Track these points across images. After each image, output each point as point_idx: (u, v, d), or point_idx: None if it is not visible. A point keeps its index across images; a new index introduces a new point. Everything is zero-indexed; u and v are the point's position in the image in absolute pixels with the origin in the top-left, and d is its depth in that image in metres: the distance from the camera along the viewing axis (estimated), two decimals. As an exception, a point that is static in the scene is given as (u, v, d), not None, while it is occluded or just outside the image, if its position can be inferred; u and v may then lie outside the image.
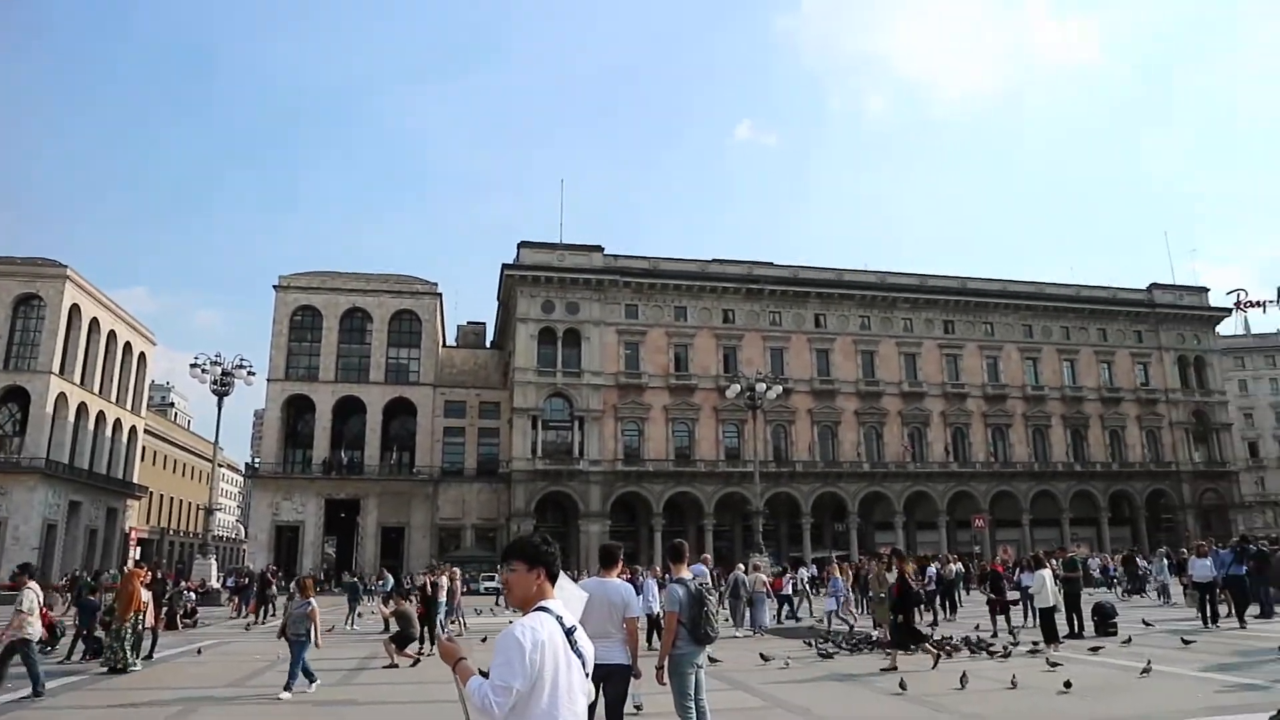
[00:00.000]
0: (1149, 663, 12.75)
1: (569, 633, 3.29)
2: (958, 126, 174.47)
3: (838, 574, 21.92)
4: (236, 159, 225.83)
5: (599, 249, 61.36)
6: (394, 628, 17.03)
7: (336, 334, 61.96)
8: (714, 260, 63.89)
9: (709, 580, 19.16)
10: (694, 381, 60.54)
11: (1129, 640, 16.07)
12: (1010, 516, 64.84)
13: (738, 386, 36.36)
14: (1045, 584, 16.85)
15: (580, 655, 3.31)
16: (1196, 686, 11.41)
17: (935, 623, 22.84)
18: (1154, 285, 74.42)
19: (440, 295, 65.12)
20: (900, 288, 66.49)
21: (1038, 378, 68.43)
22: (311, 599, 13.03)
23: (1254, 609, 19.76)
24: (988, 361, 67.54)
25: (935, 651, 14.30)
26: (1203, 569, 19.39)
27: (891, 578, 19.29)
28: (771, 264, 64.95)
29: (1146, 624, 19.27)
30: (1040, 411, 67.83)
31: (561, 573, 3.58)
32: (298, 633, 12.56)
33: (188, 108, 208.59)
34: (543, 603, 3.37)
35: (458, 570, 25.00)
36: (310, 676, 12.50)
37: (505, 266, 60.26)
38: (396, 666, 15.37)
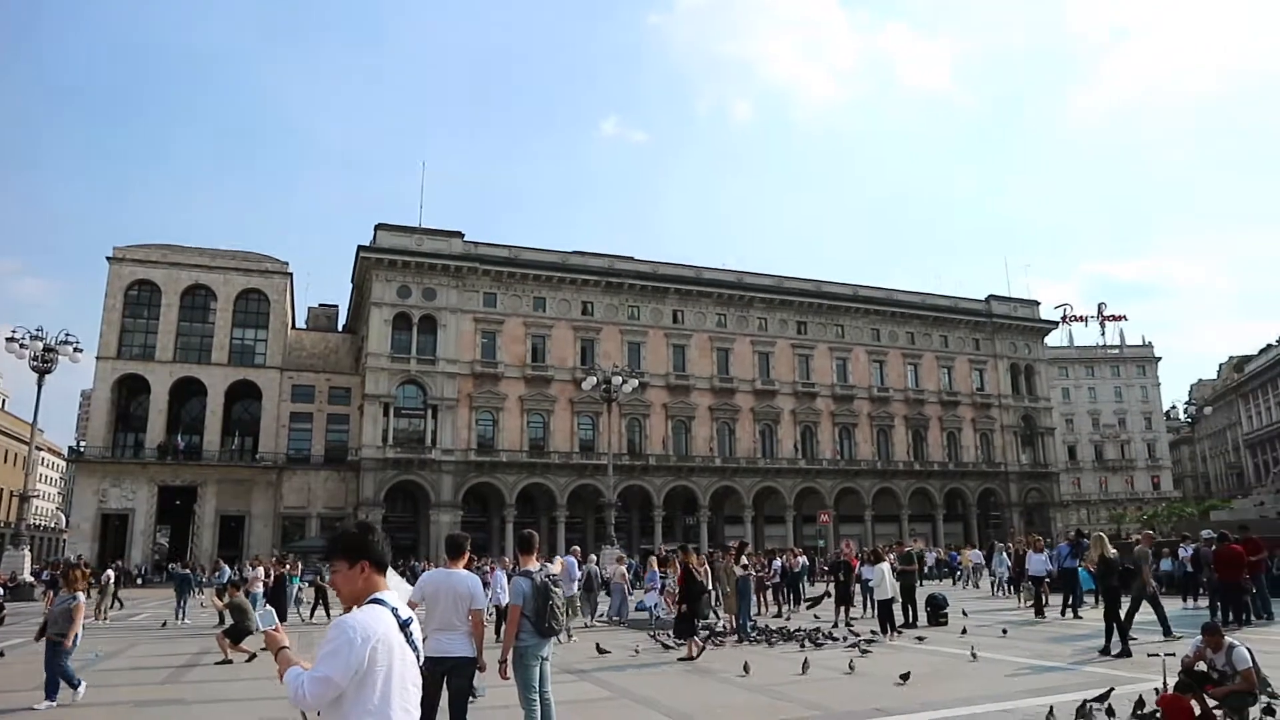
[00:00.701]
0: (973, 650, 13.51)
1: (404, 625, 3.16)
2: (818, 135, 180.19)
3: (655, 567, 22.09)
4: (75, 113, 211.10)
5: (459, 235, 60.32)
6: (229, 621, 16.18)
7: (176, 311, 58.64)
8: (575, 252, 63.80)
9: (577, 573, 19.13)
10: (551, 373, 60.31)
11: (964, 631, 16.75)
12: (854, 512, 67.37)
13: (594, 379, 36.36)
14: (884, 577, 17.54)
15: (415, 648, 3.19)
16: (1016, 671, 12.09)
17: (780, 614, 23.53)
18: (992, 297, 78.64)
19: (291, 275, 62.69)
20: (757, 288, 68.02)
21: (883, 380, 71.30)
22: (80, 594, 11.41)
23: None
24: (837, 363, 69.91)
25: (701, 646, 14.55)
26: (1039, 563, 20.57)
27: (740, 571, 19.78)
28: (632, 259, 65.34)
29: (965, 614, 20.22)
30: (885, 412, 70.69)
31: (389, 568, 3.42)
32: (60, 633, 10.89)
33: (15, 53, 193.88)
34: (376, 595, 3.21)
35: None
36: (73, 682, 10.92)
37: (361, 249, 58.44)
38: (231, 662, 14.66)
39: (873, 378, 70.89)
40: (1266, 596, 18.55)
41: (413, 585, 6.33)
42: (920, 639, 16.28)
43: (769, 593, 25.24)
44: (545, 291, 61.78)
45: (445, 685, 6.64)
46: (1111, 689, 8.96)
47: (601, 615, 22.22)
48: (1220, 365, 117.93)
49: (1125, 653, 13.00)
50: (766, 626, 18.48)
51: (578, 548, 27.44)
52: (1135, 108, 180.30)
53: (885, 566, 18.00)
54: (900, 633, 17.16)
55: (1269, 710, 8.29)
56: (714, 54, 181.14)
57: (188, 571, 28.92)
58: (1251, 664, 8.22)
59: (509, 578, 16.24)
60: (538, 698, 7.25)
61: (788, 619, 21.79)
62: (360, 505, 54.17)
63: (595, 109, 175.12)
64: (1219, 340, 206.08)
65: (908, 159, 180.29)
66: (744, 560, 20.28)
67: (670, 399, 63.43)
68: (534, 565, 7.67)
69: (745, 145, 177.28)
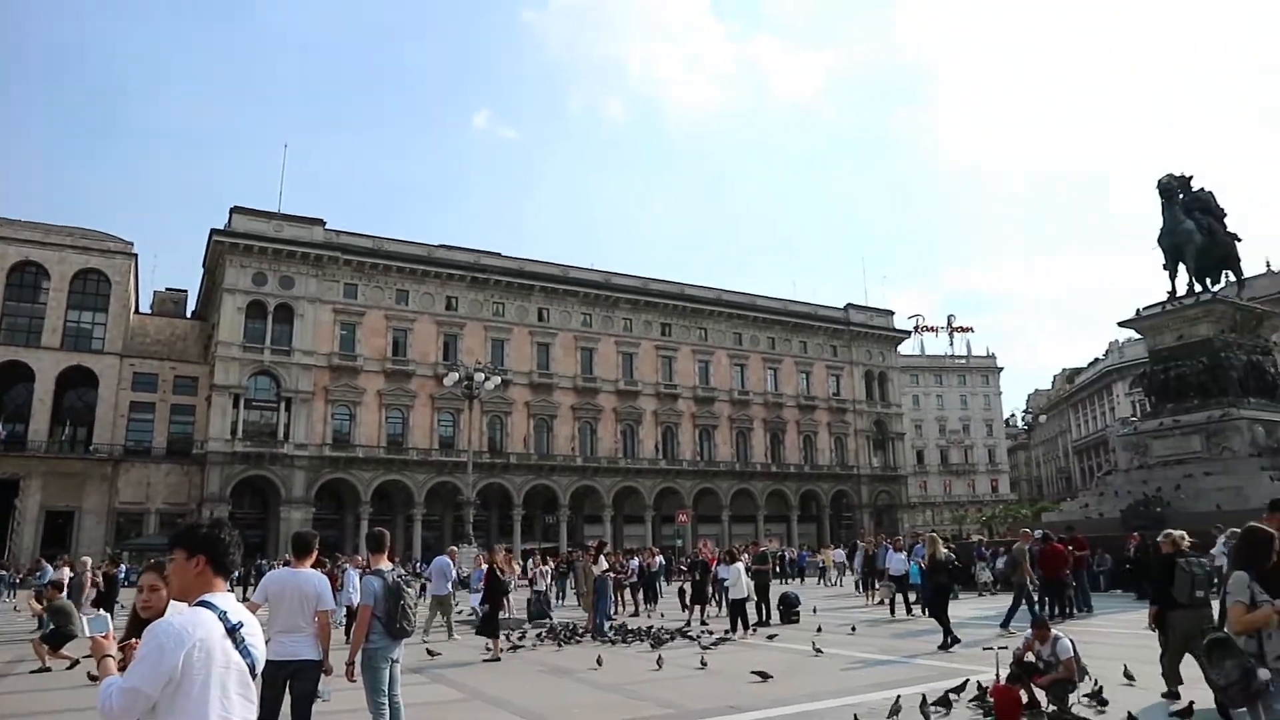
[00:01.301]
0: (814, 645, 13.96)
1: (233, 629, 2.94)
2: (688, 140, 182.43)
3: (482, 565, 21.84)
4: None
5: (320, 222, 58.30)
6: (50, 625, 14.96)
7: (2, 290, 54.42)
8: (441, 246, 62.60)
9: (452, 573, 18.61)
10: (412, 368, 58.98)
11: (819, 630, 17.04)
12: (712, 513, 68.45)
13: (456, 375, 35.56)
14: (740, 577, 17.80)
15: (247, 653, 2.97)
16: (862, 666, 12.49)
17: (636, 613, 23.62)
18: (850, 305, 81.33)
19: (135, 256, 59.10)
20: (623, 289, 68.32)
21: (744, 383, 72.72)
22: None
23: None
24: (699, 365, 70.91)
25: (497, 646, 14.47)
26: (899, 563, 21.20)
27: (598, 570, 19.73)
28: (499, 255, 64.60)
29: (815, 611, 20.69)
30: (744, 415, 72.11)
31: None
32: None
33: None
34: (205, 596, 3.01)
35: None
36: None
37: (214, 232, 55.60)
38: (49, 670, 13.62)
39: (734, 381, 72.21)
40: (1087, 591, 19.81)
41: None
42: (772, 637, 16.60)
43: (626, 591, 25.31)
44: (409, 284, 60.36)
45: (289, 689, 6.30)
46: (966, 680, 9.40)
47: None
48: (1055, 377, 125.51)
49: (952, 642, 13.71)
50: (623, 625, 18.49)
51: (454, 548, 26.92)
52: (984, 126, 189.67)
53: (740, 566, 18.27)
54: (754, 631, 17.48)
55: (1096, 695, 8.81)
56: (588, 54, 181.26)
57: (2, 572, 26.88)
58: (1073, 654, 8.73)
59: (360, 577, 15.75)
60: (386, 701, 7.01)
61: (645, 618, 21.88)
62: (205, 501, 51.67)
63: (467, 103, 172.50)
64: (1054, 353, 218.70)
65: (775, 167, 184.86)
66: (602, 559, 20.28)
67: (533, 397, 62.99)
68: (386, 564, 7.42)
69: (616, 146, 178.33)
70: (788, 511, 72.88)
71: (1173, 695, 8.68)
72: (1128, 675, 9.94)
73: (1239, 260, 31.77)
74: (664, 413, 68.27)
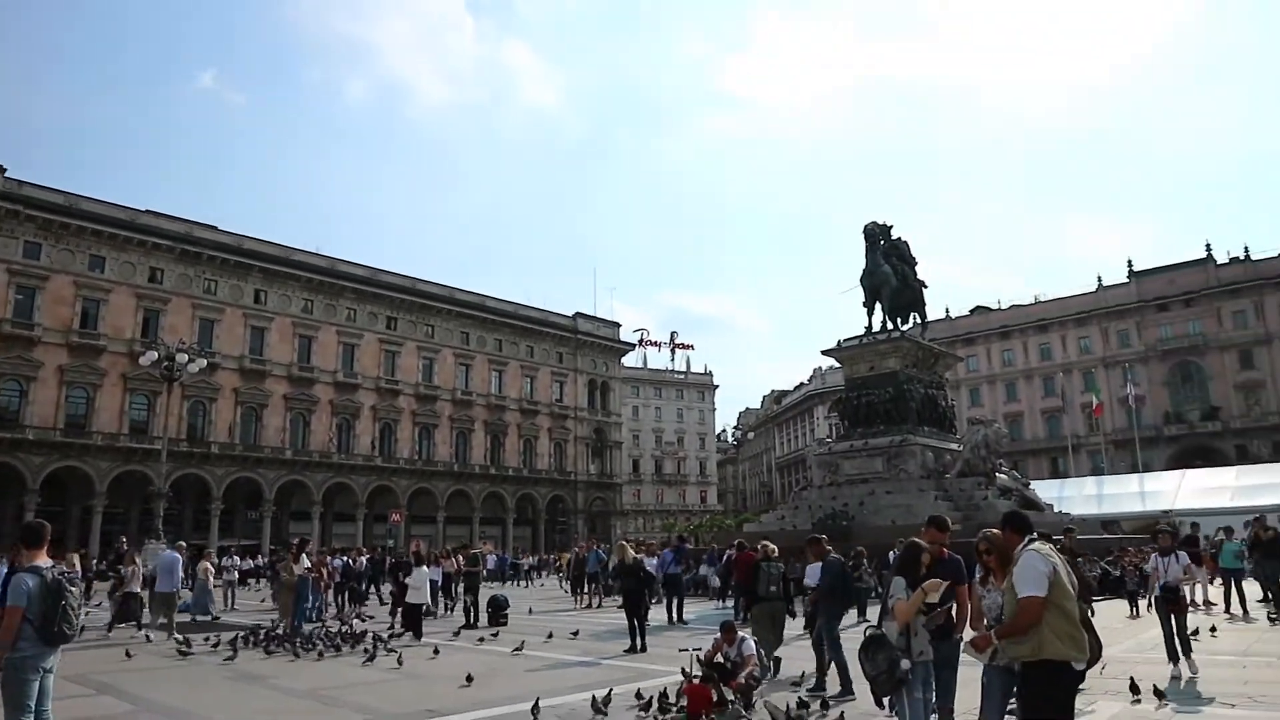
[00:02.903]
0: (522, 643, 14.19)
1: None
2: (430, 132, 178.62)
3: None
4: None
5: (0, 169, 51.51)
6: None
7: None
8: (148, 212, 57.14)
9: (180, 571, 16.87)
10: (103, 343, 53.27)
11: (549, 636, 16.98)
12: (427, 513, 67.16)
13: (155, 354, 32.62)
14: (423, 581, 17.51)
15: None
16: (567, 667, 12.66)
17: (339, 615, 22.60)
18: (579, 314, 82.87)
19: None
20: (350, 276, 65.63)
21: (468, 384, 72.04)
22: None
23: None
24: (424, 362, 69.46)
25: (179, 649, 13.91)
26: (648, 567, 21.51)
27: (299, 570, 18.71)
28: (215, 228, 59.95)
29: (531, 612, 20.78)
30: (466, 416, 71.42)
31: None
32: None
33: None
34: None
35: None
36: None
37: None
38: None
39: (458, 380, 71.36)
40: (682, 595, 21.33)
41: None
42: (481, 639, 16.41)
43: (330, 592, 24.19)
44: (107, 250, 54.54)
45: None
46: (669, 684, 9.68)
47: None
48: (764, 397, 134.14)
49: (641, 646, 14.17)
50: (324, 627, 17.59)
51: (183, 543, 24.60)
52: (720, 153, 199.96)
53: (425, 570, 17.95)
54: (459, 634, 17.23)
55: (802, 704, 9.24)
56: (336, 30, 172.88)
57: None
58: (756, 653, 9.32)
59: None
60: (33, 717, 6.11)
61: (356, 621, 21.00)
62: None
63: (192, 59, 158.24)
64: (766, 375, 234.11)
65: (512, 171, 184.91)
66: (305, 558, 19.28)
67: (243, 384, 58.98)
68: (44, 561, 6.48)
69: (354, 129, 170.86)
70: (504, 514, 72.91)
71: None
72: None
73: (924, 305, 35.86)
74: (384, 408, 66.20)
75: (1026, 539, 5.22)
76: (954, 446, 32.34)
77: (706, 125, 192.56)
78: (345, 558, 27.37)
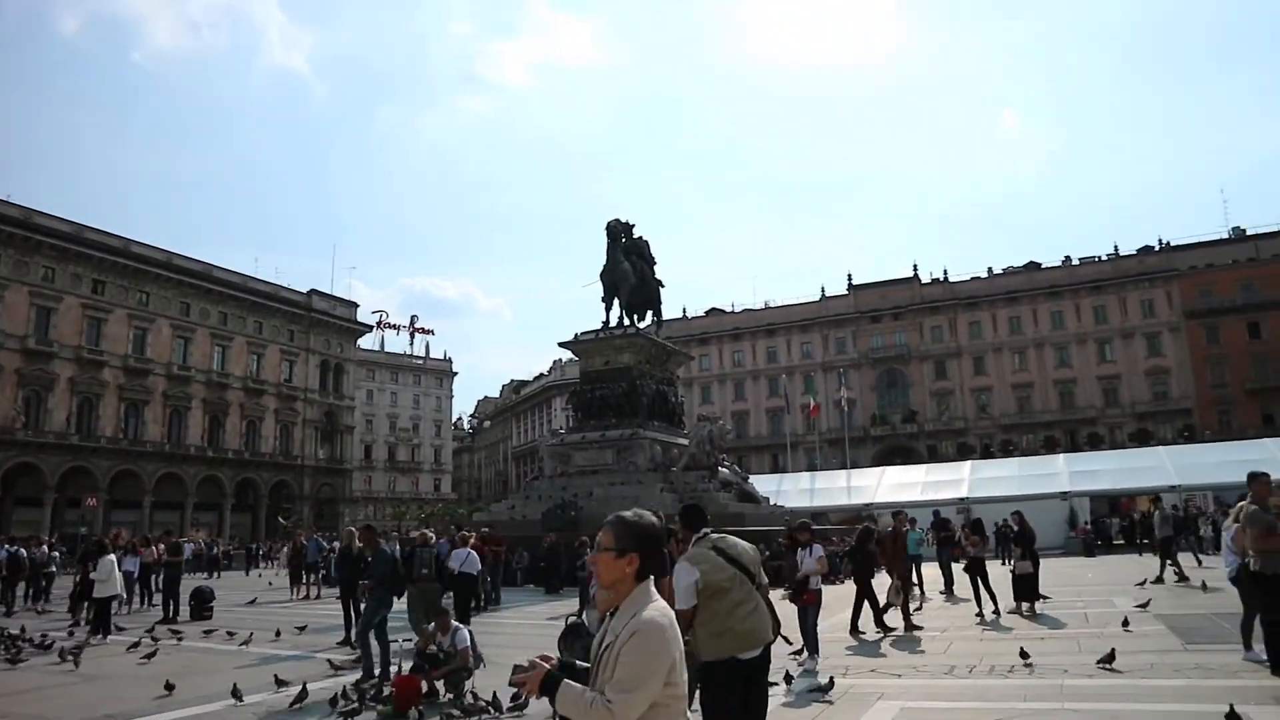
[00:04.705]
0: (251, 635, 13.40)
1: None
2: (160, 79, 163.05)
3: None
4: None
5: None
6: None
7: None
8: None
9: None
10: None
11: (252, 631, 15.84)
12: (133, 497, 61.27)
13: None
14: (112, 572, 15.79)
15: None
16: (268, 662, 11.85)
17: (9, 613, 20.43)
18: (314, 291, 78.91)
19: None
20: (47, 231, 58.20)
21: (186, 358, 66.59)
22: None
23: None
24: (136, 332, 63.28)
25: None
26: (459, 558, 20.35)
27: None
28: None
29: (248, 604, 19.45)
30: (183, 392, 65.98)
31: None
32: None
33: None
34: None
35: None
36: None
37: None
38: None
39: (175, 354, 65.72)
40: (499, 585, 21.26)
41: None
42: (180, 635, 15.09)
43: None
44: None
45: None
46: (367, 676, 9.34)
47: None
48: (504, 387, 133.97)
49: (358, 636, 13.73)
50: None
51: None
52: (475, 138, 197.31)
53: (112, 559, 16.22)
54: (153, 630, 15.76)
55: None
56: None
57: None
58: (469, 644, 9.29)
59: None
60: None
61: (33, 616, 18.85)
62: None
63: None
64: (508, 364, 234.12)
65: (251, 134, 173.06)
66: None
67: (-94, 346, 51.30)
68: None
69: (63, 66, 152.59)
70: (222, 500, 68.13)
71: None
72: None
73: (661, 304, 37.29)
74: (84, 381, 59.61)
75: (698, 534, 5.36)
76: (682, 441, 33.68)
77: (464, 107, 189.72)
78: (17, 547, 24.41)
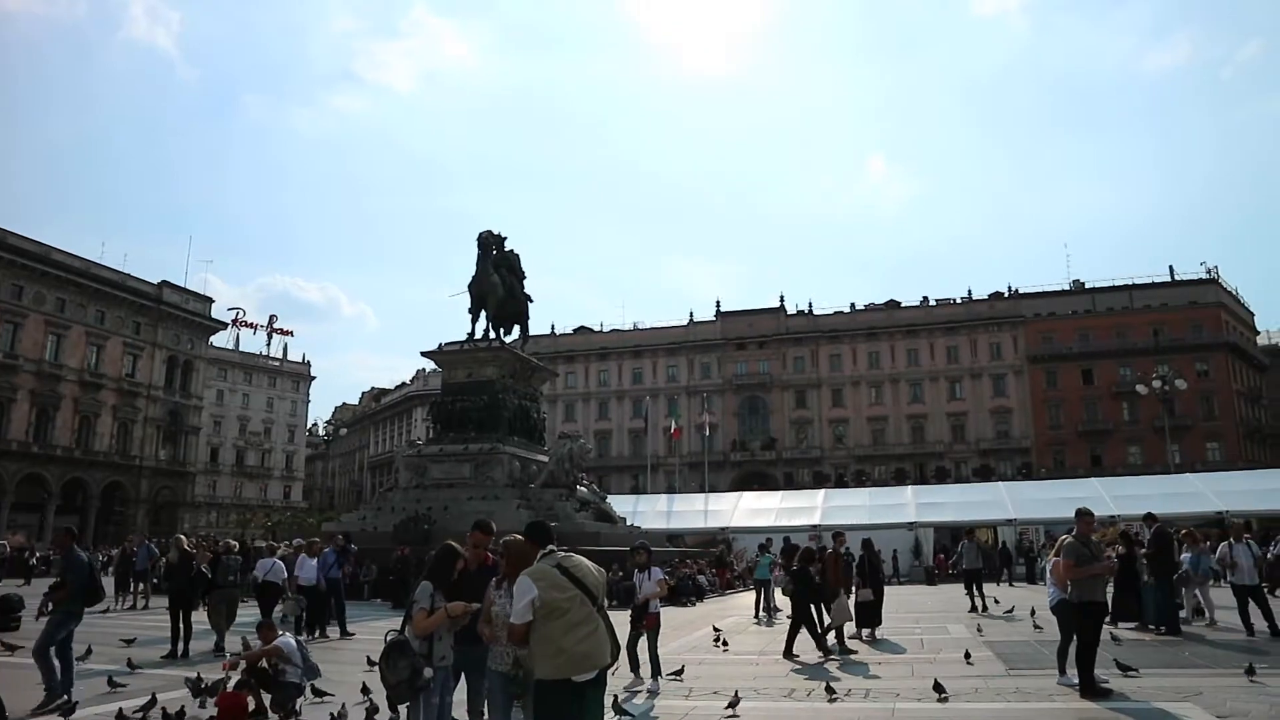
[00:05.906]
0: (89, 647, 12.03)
1: None
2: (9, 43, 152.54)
3: None
4: None
5: None
6: None
7: None
8: None
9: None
10: None
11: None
12: (-60, 494, 56.64)
13: None
14: None
15: None
16: (93, 679, 10.72)
17: None
18: (165, 283, 74.85)
19: None
20: None
21: (14, 346, 61.93)
22: None
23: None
24: (-43, 315, 58.67)
25: None
26: (310, 569, 18.70)
27: None
28: None
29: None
30: (8, 383, 61.32)
31: None
32: None
33: None
34: None
35: None
36: None
37: None
38: None
39: (2, 340, 61.17)
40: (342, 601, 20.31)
41: None
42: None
43: None
44: None
45: None
46: (153, 696, 8.65)
47: None
48: (363, 394, 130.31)
49: (183, 654, 13.11)
50: None
51: None
52: (348, 137, 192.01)
53: None
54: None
55: (318, 692, 9.04)
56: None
57: None
58: (301, 655, 8.81)
59: None
60: None
61: None
62: None
63: None
64: (370, 371, 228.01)
65: (106, 113, 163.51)
66: None
67: None
68: None
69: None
70: (46, 500, 63.49)
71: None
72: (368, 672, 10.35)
73: (528, 318, 36.90)
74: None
75: (544, 550, 5.18)
76: (541, 458, 33.33)
77: (340, 106, 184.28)
78: None
